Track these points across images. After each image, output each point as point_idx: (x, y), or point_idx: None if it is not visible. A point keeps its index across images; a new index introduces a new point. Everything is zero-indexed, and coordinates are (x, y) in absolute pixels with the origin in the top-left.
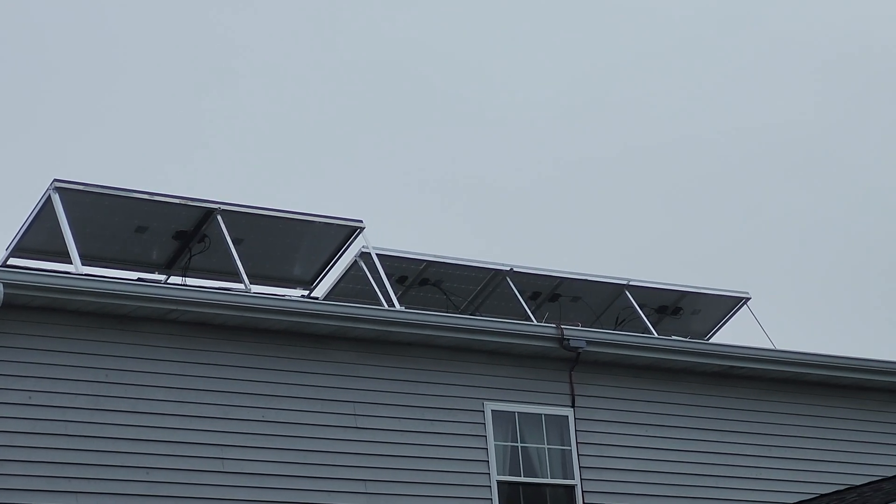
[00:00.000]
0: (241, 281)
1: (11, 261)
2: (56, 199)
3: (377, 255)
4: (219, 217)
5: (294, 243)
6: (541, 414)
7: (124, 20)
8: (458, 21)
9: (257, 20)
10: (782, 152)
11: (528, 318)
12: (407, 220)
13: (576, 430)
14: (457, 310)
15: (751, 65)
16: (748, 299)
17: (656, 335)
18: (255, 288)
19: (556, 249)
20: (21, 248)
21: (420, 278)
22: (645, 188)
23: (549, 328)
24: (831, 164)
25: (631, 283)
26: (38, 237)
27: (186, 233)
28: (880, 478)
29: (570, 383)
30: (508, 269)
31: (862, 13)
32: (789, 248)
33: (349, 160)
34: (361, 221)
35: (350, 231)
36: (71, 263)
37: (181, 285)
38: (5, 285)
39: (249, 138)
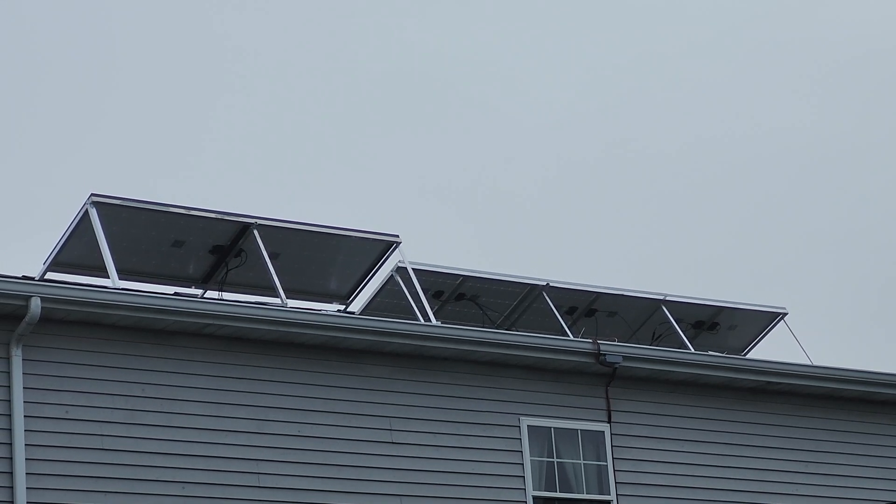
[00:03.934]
0: (277, 295)
1: (49, 275)
2: (93, 213)
3: (413, 269)
4: (255, 231)
5: (330, 258)
6: (577, 429)
7: (135, 25)
8: (471, 27)
9: (268, 26)
10: (818, 162)
11: (565, 334)
12: (423, 231)
13: (612, 446)
14: (493, 324)
15: (764, 68)
16: (785, 314)
17: (693, 350)
18: (292, 302)
19: (574, 258)
20: (58, 262)
21: (456, 293)
22: (664, 198)
23: (585, 343)
24: (866, 173)
25: (667, 298)
26: (76, 251)
27: (223, 247)
28: None
29: (607, 399)
30: (545, 283)
31: (873, 15)
32: (827, 263)
33: (363, 169)
34: (398, 236)
35: (386, 246)
36: (108, 278)
37: (217, 300)
38: (43, 299)
39: (257, 147)
